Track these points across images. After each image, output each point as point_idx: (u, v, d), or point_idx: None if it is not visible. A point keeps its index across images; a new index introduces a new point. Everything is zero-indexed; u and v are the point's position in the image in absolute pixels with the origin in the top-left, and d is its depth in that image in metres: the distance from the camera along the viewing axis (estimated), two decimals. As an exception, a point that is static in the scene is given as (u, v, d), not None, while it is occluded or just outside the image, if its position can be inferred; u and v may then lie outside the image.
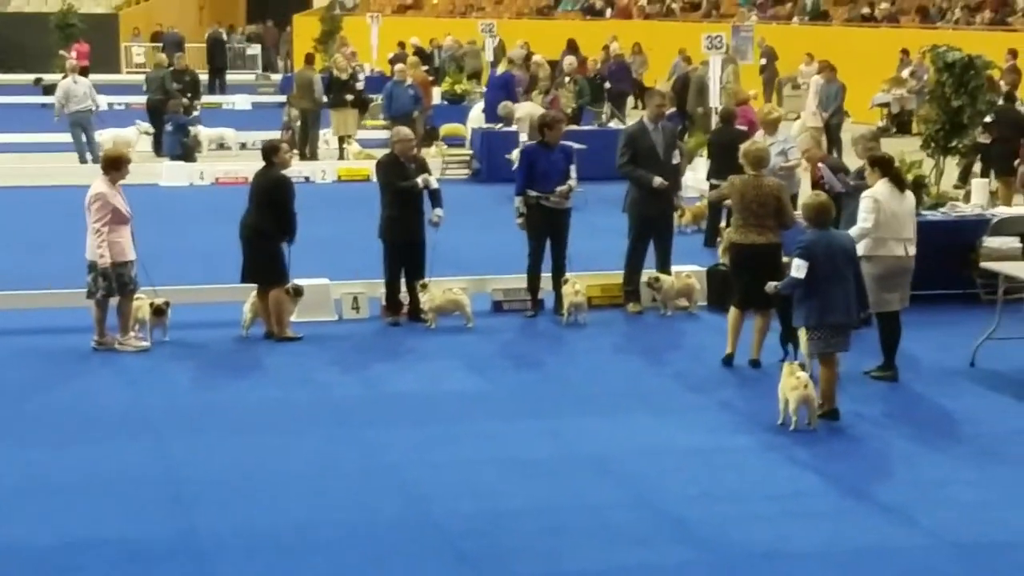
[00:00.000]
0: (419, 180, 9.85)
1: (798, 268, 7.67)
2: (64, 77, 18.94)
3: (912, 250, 8.59)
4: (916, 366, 8.91)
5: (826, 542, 6.07)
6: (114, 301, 9.18)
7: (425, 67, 22.85)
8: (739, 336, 8.80)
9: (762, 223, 8.73)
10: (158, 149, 19.16)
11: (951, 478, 6.96)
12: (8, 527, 6.16)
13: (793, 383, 7.59)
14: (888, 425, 7.86)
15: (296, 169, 17.44)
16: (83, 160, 17.94)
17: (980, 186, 11.59)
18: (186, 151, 18.54)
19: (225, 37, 37.53)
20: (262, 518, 6.28)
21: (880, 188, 8.56)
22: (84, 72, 22.14)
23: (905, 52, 22.81)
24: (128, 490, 6.63)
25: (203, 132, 19.85)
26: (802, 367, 7.79)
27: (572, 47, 26.70)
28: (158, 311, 9.35)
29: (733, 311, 8.88)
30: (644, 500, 6.58)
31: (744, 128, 13.33)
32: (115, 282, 9.05)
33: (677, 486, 6.74)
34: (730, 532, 6.16)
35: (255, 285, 9.52)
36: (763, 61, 25.55)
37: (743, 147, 9.13)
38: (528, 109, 16.74)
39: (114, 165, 9.20)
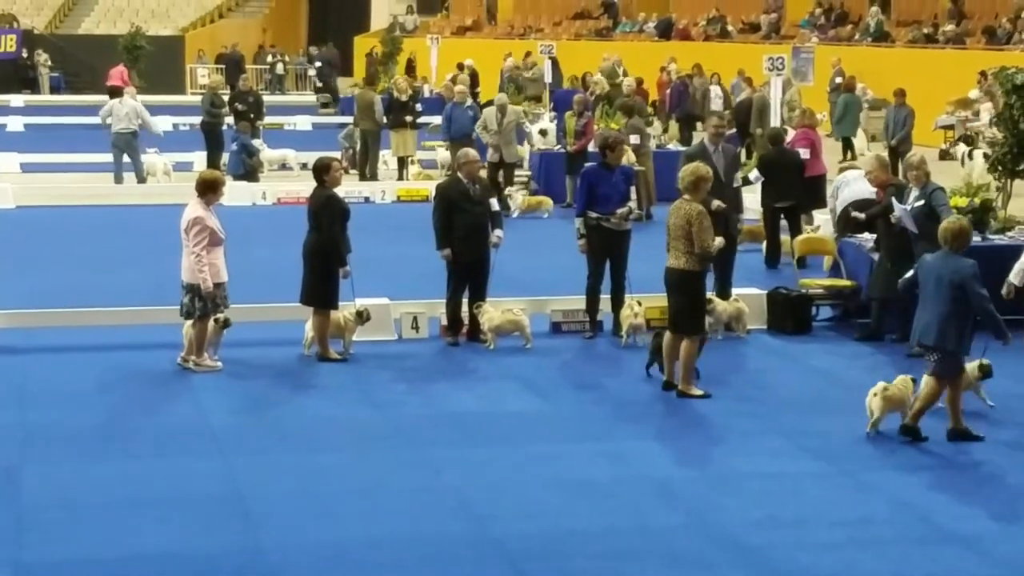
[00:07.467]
0: None
1: (902, 279, 8.35)
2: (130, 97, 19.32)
3: None
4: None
5: (894, 571, 5.96)
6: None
7: (476, 89, 22.99)
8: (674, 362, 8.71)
9: (676, 246, 8.58)
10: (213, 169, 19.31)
11: None
12: (77, 541, 6.25)
13: (882, 385, 7.88)
14: (956, 451, 7.71)
15: (356, 189, 17.77)
16: (118, 180, 18.18)
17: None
18: (249, 171, 18.79)
19: (283, 58, 38.06)
20: (326, 535, 6.32)
21: None
22: (115, 93, 22.57)
23: (983, 74, 22.27)
24: (194, 506, 6.70)
25: (266, 153, 20.12)
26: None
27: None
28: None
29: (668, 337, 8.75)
30: (707, 524, 6.52)
31: (800, 151, 13.17)
32: (210, 303, 9.15)
33: (740, 511, 6.68)
34: (796, 558, 6.08)
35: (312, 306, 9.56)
36: (838, 80, 25.24)
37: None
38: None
39: (211, 187, 9.28)
